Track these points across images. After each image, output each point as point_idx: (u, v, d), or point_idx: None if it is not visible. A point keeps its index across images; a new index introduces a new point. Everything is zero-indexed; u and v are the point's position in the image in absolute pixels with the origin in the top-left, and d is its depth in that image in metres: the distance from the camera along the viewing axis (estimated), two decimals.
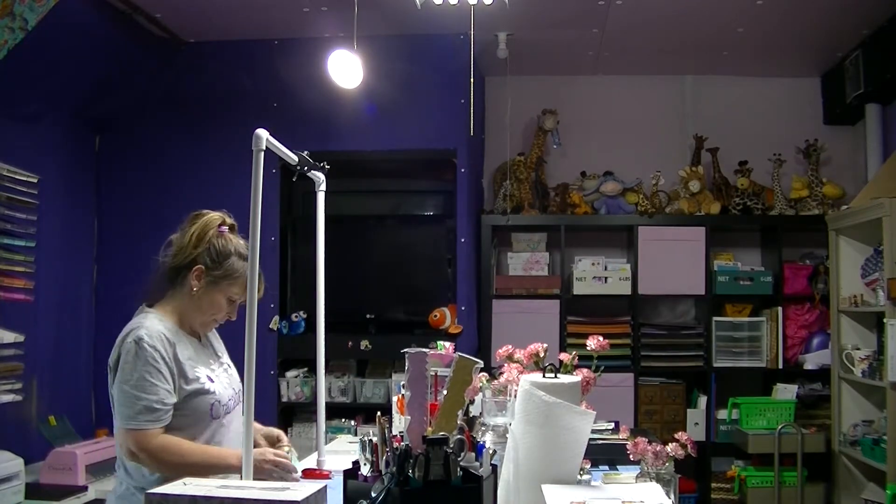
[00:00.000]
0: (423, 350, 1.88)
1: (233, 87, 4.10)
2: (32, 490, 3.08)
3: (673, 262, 4.26)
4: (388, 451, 1.61)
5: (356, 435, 3.60)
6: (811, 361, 4.19)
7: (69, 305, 3.91)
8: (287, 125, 3.81)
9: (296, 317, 4.09)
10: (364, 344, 4.01)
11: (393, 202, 4.61)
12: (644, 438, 1.80)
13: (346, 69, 3.12)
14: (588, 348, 1.92)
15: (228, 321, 2.08)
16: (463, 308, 3.97)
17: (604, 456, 2.24)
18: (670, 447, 1.76)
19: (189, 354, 1.95)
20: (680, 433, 1.81)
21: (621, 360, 4.22)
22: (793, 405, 4.08)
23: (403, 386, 1.88)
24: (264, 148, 1.93)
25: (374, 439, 1.69)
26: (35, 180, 3.58)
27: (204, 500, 1.29)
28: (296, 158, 2.28)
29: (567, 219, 4.36)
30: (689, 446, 1.76)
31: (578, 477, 1.67)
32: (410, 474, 1.50)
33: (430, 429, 1.76)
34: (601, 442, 2.34)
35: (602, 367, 1.93)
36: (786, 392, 4.15)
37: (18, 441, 3.28)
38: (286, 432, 4.05)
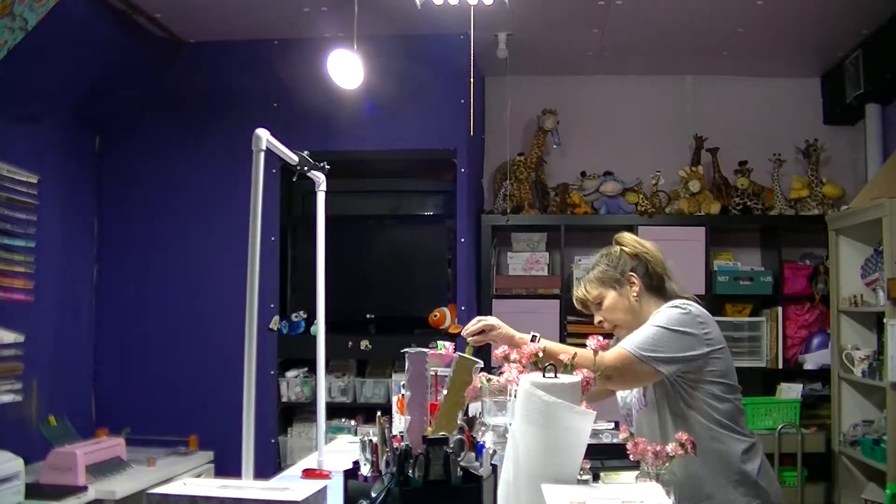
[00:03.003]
0: (423, 350, 1.88)
1: (233, 87, 4.10)
2: (32, 490, 3.07)
3: (673, 262, 4.25)
4: (388, 451, 1.61)
5: (356, 435, 3.59)
6: (811, 361, 4.18)
7: (69, 305, 3.90)
8: (287, 125, 3.80)
9: (296, 317, 4.09)
10: (364, 344, 4.01)
11: (393, 202, 4.61)
12: (644, 438, 1.80)
13: (346, 69, 3.12)
14: (588, 348, 1.92)
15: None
16: (463, 308, 3.96)
17: (604, 456, 2.23)
18: (670, 447, 1.76)
19: None
20: (680, 433, 1.81)
21: None
22: (798, 404, 4.08)
23: (403, 386, 1.87)
24: (264, 148, 1.93)
25: (374, 439, 1.69)
26: (35, 180, 3.58)
27: (204, 500, 1.29)
28: (296, 158, 2.28)
29: (567, 219, 4.35)
30: (689, 446, 1.76)
31: (578, 477, 1.67)
32: (410, 474, 1.51)
33: (430, 429, 1.76)
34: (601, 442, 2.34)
35: None
36: (790, 391, 4.14)
37: (18, 441, 3.28)
38: (286, 432, 4.08)
